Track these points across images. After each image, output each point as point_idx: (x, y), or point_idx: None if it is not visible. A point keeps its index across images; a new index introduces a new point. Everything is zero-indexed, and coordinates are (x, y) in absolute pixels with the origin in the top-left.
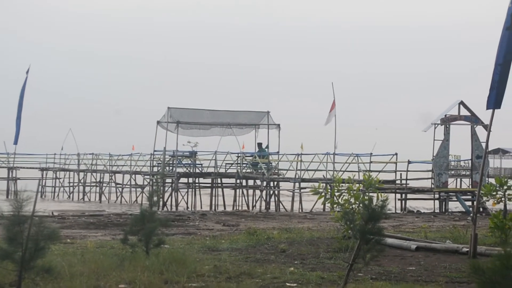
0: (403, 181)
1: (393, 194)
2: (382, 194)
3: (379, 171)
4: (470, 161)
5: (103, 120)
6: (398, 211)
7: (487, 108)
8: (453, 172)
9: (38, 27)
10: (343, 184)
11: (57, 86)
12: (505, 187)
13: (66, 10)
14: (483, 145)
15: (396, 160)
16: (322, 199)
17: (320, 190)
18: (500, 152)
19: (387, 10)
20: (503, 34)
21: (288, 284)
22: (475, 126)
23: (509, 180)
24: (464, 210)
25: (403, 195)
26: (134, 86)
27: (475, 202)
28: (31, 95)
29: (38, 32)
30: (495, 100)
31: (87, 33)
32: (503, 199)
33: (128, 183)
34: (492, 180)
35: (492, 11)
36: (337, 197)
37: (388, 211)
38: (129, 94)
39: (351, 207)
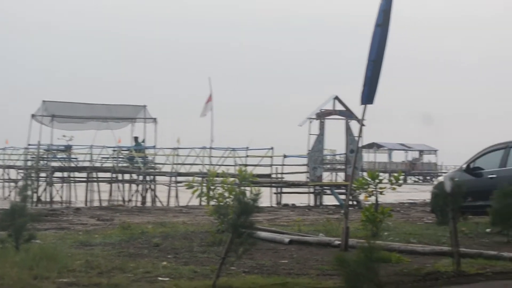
0: (279, 175)
1: (269, 188)
2: (257, 188)
3: (255, 165)
4: (345, 155)
5: None
6: (274, 205)
7: (361, 104)
8: (328, 166)
9: None
10: (217, 178)
11: None
12: (376, 181)
13: None
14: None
15: (272, 154)
16: (197, 193)
17: (195, 184)
18: (375, 146)
19: None
20: (375, 30)
21: (160, 278)
22: (349, 121)
23: (380, 174)
24: (338, 204)
25: (279, 189)
26: None
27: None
28: None
29: None
30: (367, 96)
31: None
32: (374, 192)
33: (1, 178)
34: (366, 174)
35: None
36: (212, 191)
37: (262, 205)
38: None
39: (224, 201)
